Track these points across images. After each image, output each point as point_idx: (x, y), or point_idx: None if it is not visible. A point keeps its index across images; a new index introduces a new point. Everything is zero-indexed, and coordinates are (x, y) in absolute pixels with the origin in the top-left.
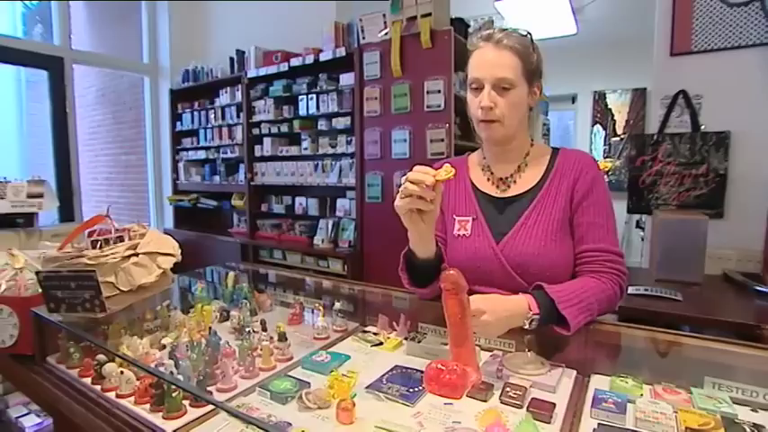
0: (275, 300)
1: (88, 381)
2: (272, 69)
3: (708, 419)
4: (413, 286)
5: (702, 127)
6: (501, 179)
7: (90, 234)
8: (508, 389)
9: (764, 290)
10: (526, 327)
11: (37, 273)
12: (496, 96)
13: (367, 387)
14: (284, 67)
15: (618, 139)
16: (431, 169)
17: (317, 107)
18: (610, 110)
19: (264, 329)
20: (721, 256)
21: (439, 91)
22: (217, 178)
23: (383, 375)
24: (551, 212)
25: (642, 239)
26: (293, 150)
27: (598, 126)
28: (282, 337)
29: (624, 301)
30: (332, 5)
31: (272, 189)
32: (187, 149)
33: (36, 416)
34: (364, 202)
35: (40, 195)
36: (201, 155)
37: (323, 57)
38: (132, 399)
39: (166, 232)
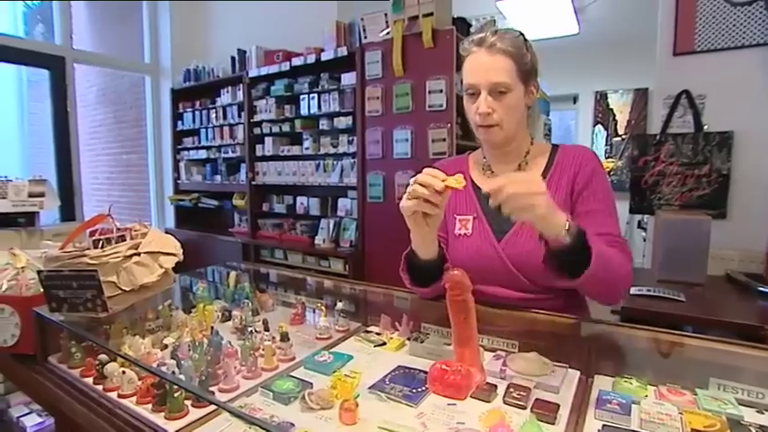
0: (277, 300)
1: (90, 381)
2: (274, 69)
3: (714, 421)
4: (414, 286)
5: (705, 127)
6: None
7: (92, 233)
8: (512, 389)
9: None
10: (561, 236)
11: (38, 272)
12: (493, 101)
13: (370, 387)
14: (286, 66)
15: (619, 139)
16: (441, 173)
17: (319, 107)
18: (611, 110)
19: (266, 329)
20: (724, 256)
21: (441, 91)
22: (218, 178)
23: (386, 376)
24: None
25: (644, 240)
26: (295, 150)
27: (599, 126)
28: (285, 337)
29: (626, 302)
30: (333, 5)
31: (273, 189)
32: (188, 149)
33: (37, 416)
34: (366, 201)
35: (42, 195)
36: (203, 154)
37: (324, 56)
38: (134, 399)
39: (167, 232)
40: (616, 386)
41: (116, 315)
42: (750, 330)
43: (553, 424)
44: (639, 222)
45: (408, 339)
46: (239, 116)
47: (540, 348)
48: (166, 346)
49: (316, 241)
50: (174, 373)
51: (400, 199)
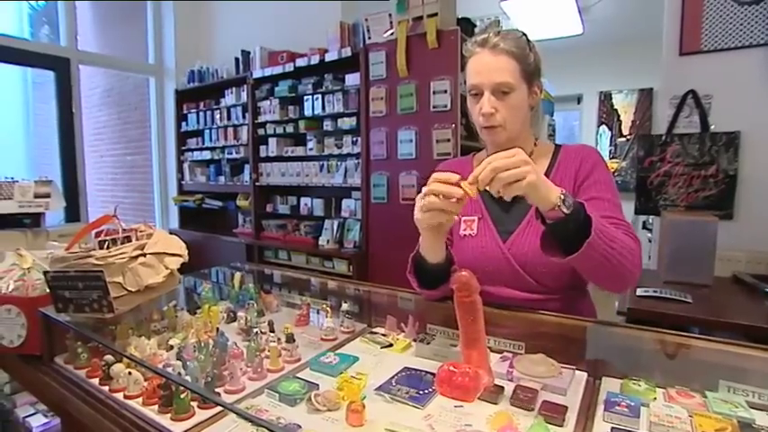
0: (281, 300)
1: (96, 381)
2: (278, 70)
3: (725, 424)
4: (422, 289)
5: (712, 127)
6: None
7: (97, 234)
8: (519, 391)
9: None
10: (558, 204)
11: (45, 273)
12: (496, 101)
13: (376, 389)
14: (290, 67)
15: (624, 139)
16: (453, 175)
17: (323, 107)
18: (616, 110)
19: (272, 330)
20: (731, 257)
21: (445, 91)
22: (222, 179)
23: (392, 377)
24: None
25: (650, 241)
26: (299, 151)
27: (604, 127)
28: (290, 339)
29: (633, 303)
30: (337, 5)
31: (277, 189)
32: (192, 150)
33: (43, 416)
34: (370, 202)
35: (47, 195)
36: (207, 155)
37: (328, 57)
38: (140, 400)
39: (172, 233)
40: (624, 388)
41: (122, 316)
42: (758, 332)
43: (561, 426)
44: (644, 223)
45: (414, 341)
46: (243, 117)
47: (547, 350)
48: (172, 347)
49: (320, 242)
50: (179, 374)
51: (404, 200)
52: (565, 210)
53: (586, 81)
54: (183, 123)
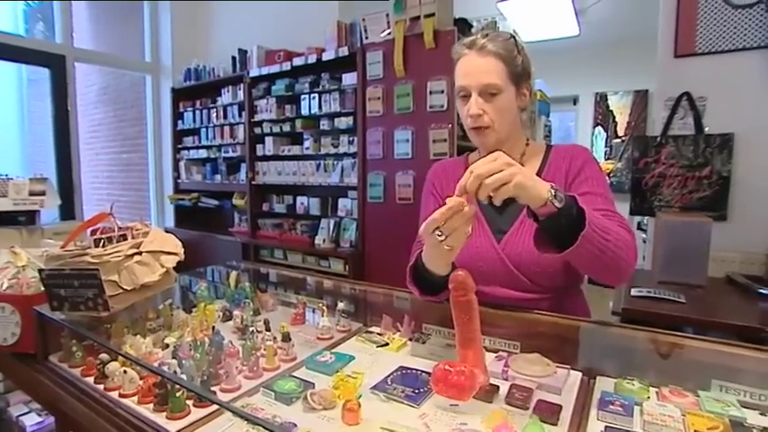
0: (277, 299)
1: (91, 380)
2: (275, 68)
3: (716, 423)
4: (424, 296)
5: (706, 129)
6: None
7: (93, 232)
8: (514, 390)
9: None
10: (549, 200)
11: (40, 271)
12: (484, 103)
13: (372, 388)
14: (287, 66)
15: (619, 140)
16: (458, 201)
17: (320, 107)
18: (611, 111)
19: (268, 329)
20: (725, 258)
21: (442, 91)
22: (218, 177)
23: (388, 376)
24: None
25: (644, 241)
26: (295, 150)
27: (599, 128)
28: (286, 338)
29: (627, 303)
30: (335, 5)
31: (273, 188)
32: (188, 148)
33: (37, 415)
34: (366, 202)
35: (42, 193)
36: (203, 154)
37: (325, 56)
38: (135, 398)
39: (167, 231)
40: (618, 387)
41: (117, 314)
42: (751, 332)
43: (555, 425)
44: (639, 224)
45: (410, 340)
46: (240, 116)
47: (542, 349)
48: (167, 346)
49: (316, 241)
50: (175, 372)
51: (401, 199)
52: (557, 204)
53: (582, 82)
54: (180, 121)
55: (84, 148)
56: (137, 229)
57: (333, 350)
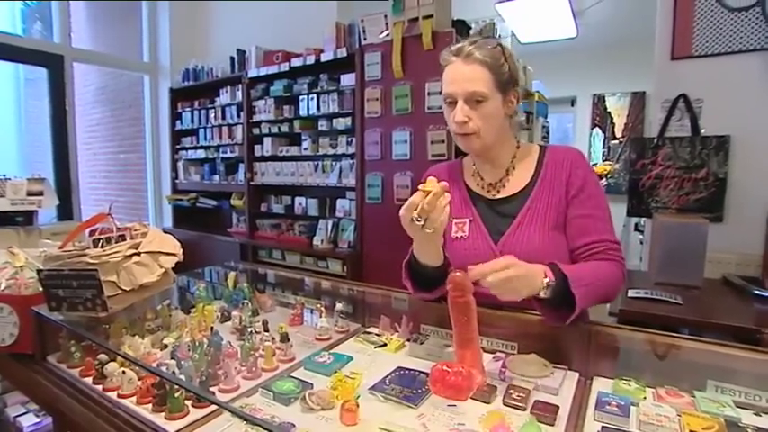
0: (275, 300)
1: (89, 380)
2: (273, 69)
3: (712, 423)
4: (419, 292)
5: (702, 131)
6: (491, 184)
7: (91, 233)
8: (511, 391)
9: (764, 294)
10: (541, 294)
11: (38, 271)
12: (470, 110)
13: (370, 388)
14: (285, 67)
15: (617, 142)
16: (440, 186)
17: (318, 107)
18: (609, 113)
19: (266, 330)
20: (721, 259)
21: (440, 92)
22: (216, 178)
23: (386, 377)
24: (546, 210)
25: (641, 243)
26: (293, 150)
27: (597, 129)
28: (285, 338)
29: (624, 304)
30: (333, 6)
31: (271, 189)
32: (186, 149)
33: (35, 415)
34: (364, 202)
35: (40, 193)
36: (201, 154)
37: (324, 57)
38: (134, 399)
39: (165, 232)
40: (615, 388)
41: (115, 315)
42: (746, 333)
43: (552, 425)
44: (636, 225)
45: (408, 340)
46: (238, 116)
47: (539, 350)
48: (166, 346)
49: (314, 242)
50: (174, 373)
51: (399, 200)
52: (550, 294)
53: (580, 84)
54: (178, 122)
55: (82, 149)
56: (135, 230)
57: (331, 351)
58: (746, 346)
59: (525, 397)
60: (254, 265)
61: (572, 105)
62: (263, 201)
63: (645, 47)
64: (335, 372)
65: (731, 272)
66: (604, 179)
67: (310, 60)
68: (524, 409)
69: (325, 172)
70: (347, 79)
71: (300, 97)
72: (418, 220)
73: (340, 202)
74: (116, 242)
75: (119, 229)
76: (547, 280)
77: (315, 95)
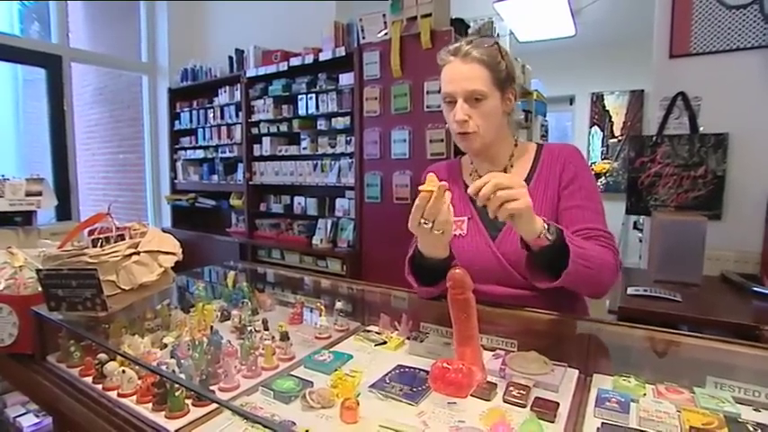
0: (275, 299)
1: (89, 380)
2: (272, 69)
3: (711, 419)
4: (422, 287)
5: (701, 129)
6: None
7: (91, 232)
8: (511, 388)
9: (762, 291)
10: (542, 235)
11: (38, 271)
12: (470, 109)
13: (370, 386)
14: (283, 66)
15: (615, 140)
16: (440, 186)
17: (317, 107)
18: (607, 111)
19: (266, 329)
20: (719, 257)
21: (439, 91)
22: (215, 177)
23: (386, 375)
24: (542, 205)
25: (640, 241)
26: (292, 150)
27: (596, 127)
28: (284, 337)
29: (623, 302)
30: (331, 5)
31: (270, 189)
32: (185, 149)
33: (34, 415)
34: (363, 202)
35: (39, 194)
36: (200, 154)
37: (322, 56)
38: (134, 398)
39: (164, 231)
40: (615, 385)
41: (115, 314)
42: (745, 330)
43: (553, 422)
44: (635, 223)
45: (408, 339)
46: (237, 116)
47: (539, 347)
48: (166, 346)
49: (313, 241)
50: (174, 372)
51: (398, 199)
52: (549, 237)
53: (579, 82)
54: (176, 122)
55: (81, 149)
56: (134, 229)
57: (331, 349)
58: (745, 343)
59: (525, 394)
60: (254, 264)
61: (571, 104)
62: (263, 200)
63: (643, 45)
64: (335, 370)
65: (730, 269)
66: (603, 177)
67: (309, 60)
68: (524, 407)
69: (324, 171)
70: (346, 78)
71: (299, 97)
72: (425, 224)
73: (339, 202)
74: (115, 242)
75: (118, 228)
76: (545, 223)
77: (313, 95)
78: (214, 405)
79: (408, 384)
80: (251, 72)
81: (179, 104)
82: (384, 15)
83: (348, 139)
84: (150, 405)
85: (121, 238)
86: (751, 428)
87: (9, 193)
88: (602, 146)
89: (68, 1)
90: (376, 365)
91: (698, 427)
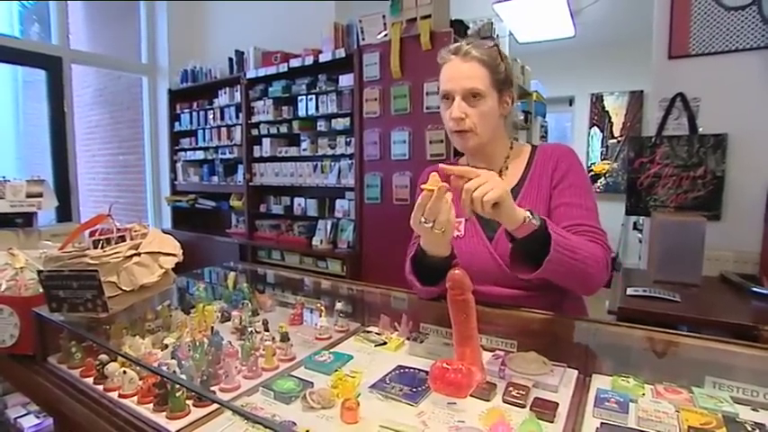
0: (275, 300)
1: (90, 381)
2: (272, 70)
3: (710, 418)
4: (423, 286)
5: (700, 129)
6: None
7: (92, 234)
8: (511, 388)
9: (761, 291)
10: (527, 219)
11: (39, 272)
12: (467, 107)
13: (370, 387)
14: (283, 67)
15: (615, 141)
16: (439, 185)
17: (317, 108)
18: (607, 112)
19: (266, 329)
20: (719, 257)
21: (438, 92)
22: (215, 179)
23: (386, 375)
24: (536, 205)
25: (640, 241)
26: (292, 151)
27: (595, 128)
28: (285, 338)
29: (622, 302)
30: (331, 6)
31: (270, 190)
32: (185, 150)
33: (35, 417)
34: (363, 202)
35: (40, 195)
36: (200, 155)
37: (322, 58)
38: (135, 399)
39: (164, 233)
40: (614, 385)
41: (116, 315)
42: (744, 330)
43: (552, 422)
44: (635, 224)
45: (408, 339)
46: (237, 117)
47: (538, 348)
48: (166, 347)
49: (313, 242)
50: (175, 372)
51: (398, 200)
52: (534, 222)
53: (578, 83)
54: (176, 123)
55: (81, 150)
56: (135, 231)
57: (331, 350)
58: (744, 343)
59: (525, 394)
60: (254, 265)
61: (570, 105)
62: (263, 201)
63: (642, 46)
64: (336, 371)
65: (729, 269)
66: (603, 178)
67: (309, 61)
68: (524, 407)
69: (324, 172)
70: (346, 80)
71: (299, 98)
72: (426, 222)
73: (339, 203)
74: (116, 243)
75: (119, 229)
76: (528, 212)
77: (313, 96)
78: (215, 405)
79: (408, 385)
80: (251, 73)
81: (179, 106)
82: (384, 17)
83: (348, 140)
84: (151, 406)
85: (122, 239)
86: (749, 428)
87: (10, 195)
88: (602, 146)
89: (68, 1)
90: (376, 366)
91: (696, 426)
